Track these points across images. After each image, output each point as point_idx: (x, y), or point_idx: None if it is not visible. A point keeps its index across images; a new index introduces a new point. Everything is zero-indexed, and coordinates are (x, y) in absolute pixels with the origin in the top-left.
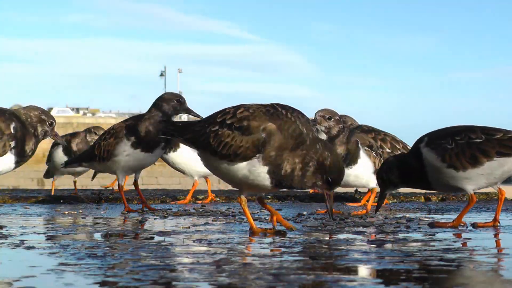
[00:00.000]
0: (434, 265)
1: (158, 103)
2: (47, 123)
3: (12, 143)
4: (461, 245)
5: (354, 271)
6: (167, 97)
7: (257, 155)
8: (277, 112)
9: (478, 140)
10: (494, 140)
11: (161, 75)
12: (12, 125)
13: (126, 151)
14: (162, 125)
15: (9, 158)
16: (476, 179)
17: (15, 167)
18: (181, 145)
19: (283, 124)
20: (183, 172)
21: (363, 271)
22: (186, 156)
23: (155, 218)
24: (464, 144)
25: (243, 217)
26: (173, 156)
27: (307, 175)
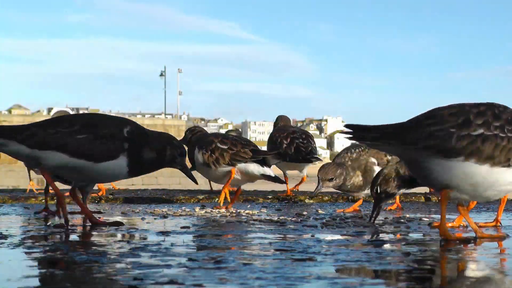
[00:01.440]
0: (434, 265)
1: None
2: None
3: None
4: (461, 245)
5: (355, 271)
6: None
7: None
8: None
9: None
10: None
11: (161, 75)
12: None
13: None
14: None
15: None
16: None
17: None
18: None
19: None
20: None
21: (363, 271)
22: None
23: (155, 218)
24: None
25: (243, 217)
26: None
27: None
